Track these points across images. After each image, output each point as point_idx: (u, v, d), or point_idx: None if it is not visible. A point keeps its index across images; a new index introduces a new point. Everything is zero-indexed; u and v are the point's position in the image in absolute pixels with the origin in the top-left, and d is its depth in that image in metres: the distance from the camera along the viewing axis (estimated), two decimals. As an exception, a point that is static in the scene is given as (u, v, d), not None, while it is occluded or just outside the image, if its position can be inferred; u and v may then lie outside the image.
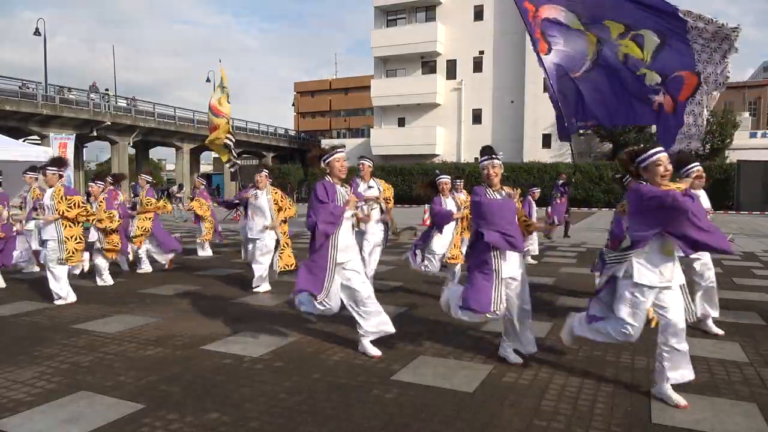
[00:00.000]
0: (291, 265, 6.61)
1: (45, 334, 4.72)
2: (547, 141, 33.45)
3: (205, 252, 10.00)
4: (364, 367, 3.83)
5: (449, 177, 6.14)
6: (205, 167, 55.15)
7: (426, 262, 6.03)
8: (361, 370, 3.76)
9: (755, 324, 5.08)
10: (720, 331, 4.64)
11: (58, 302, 5.87)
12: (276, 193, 6.79)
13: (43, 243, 6.02)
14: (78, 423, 2.94)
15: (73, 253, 5.96)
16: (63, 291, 5.92)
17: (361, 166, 6.23)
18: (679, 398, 3.14)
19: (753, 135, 33.89)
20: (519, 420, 2.98)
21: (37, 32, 30.68)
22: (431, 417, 3.01)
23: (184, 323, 5.10)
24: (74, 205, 5.98)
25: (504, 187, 3.88)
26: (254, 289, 6.62)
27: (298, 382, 3.55)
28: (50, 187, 6.04)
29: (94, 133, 32.11)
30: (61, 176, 6.15)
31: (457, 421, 2.96)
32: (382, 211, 6.11)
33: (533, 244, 9.38)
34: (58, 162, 6.24)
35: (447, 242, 6.00)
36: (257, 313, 5.51)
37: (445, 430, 2.87)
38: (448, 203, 6.00)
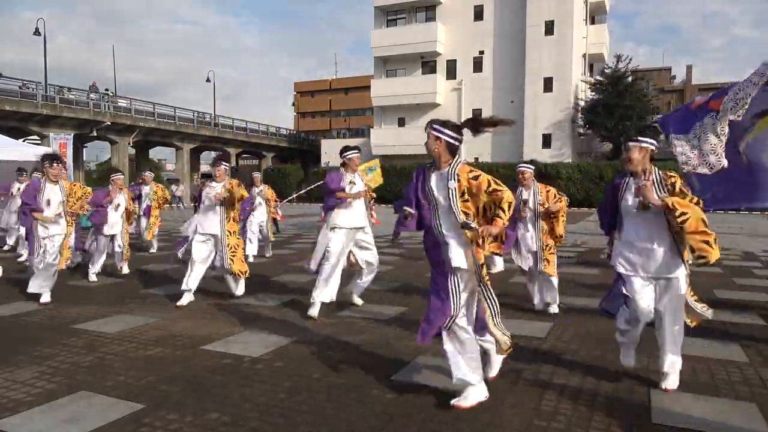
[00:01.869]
0: (245, 273, 6.12)
1: (45, 334, 4.72)
2: (546, 141, 33.44)
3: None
4: (364, 367, 3.83)
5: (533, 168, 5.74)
6: (205, 167, 55.13)
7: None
8: (361, 370, 3.76)
9: (755, 324, 5.08)
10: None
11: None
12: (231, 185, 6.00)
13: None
14: (78, 423, 2.94)
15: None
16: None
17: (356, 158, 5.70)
18: None
19: (753, 135, 33.84)
20: (519, 420, 2.98)
21: (37, 32, 30.69)
22: (431, 417, 3.01)
23: (184, 323, 5.10)
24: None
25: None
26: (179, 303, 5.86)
27: (298, 382, 3.55)
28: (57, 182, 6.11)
29: (94, 133, 32.12)
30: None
31: (458, 421, 2.96)
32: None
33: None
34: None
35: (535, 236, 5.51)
36: (257, 313, 5.51)
37: (445, 430, 2.87)
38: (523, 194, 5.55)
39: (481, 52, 35.19)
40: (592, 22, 36.03)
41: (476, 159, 32.03)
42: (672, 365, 3.42)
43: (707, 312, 3.59)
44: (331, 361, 3.97)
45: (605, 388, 3.44)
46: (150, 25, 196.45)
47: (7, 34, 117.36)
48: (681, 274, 3.33)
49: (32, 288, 5.95)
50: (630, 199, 3.43)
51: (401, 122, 38.07)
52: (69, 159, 15.54)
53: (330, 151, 37.83)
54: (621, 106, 30.54)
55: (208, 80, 43.71)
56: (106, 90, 34.89)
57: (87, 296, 6.34)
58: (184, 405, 3.18)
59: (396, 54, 36.67)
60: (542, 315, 5.38)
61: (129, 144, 34.97)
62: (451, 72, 36.22)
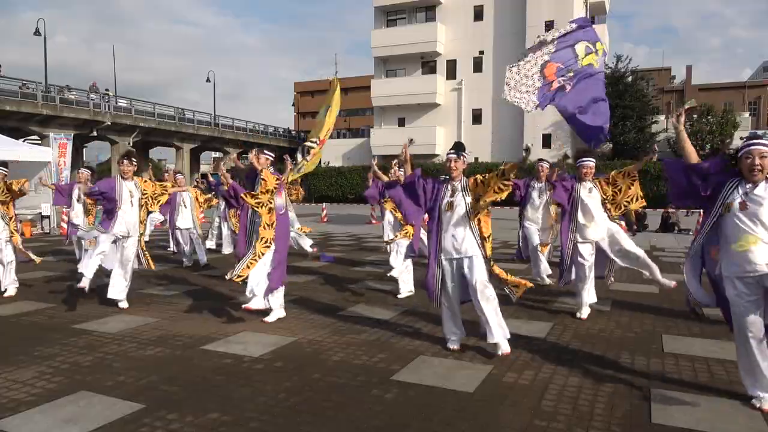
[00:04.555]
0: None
1: (45, 334, 4.72)
2: (547, 141, 33.41)
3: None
4: (364, 367, 3.83)
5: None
6: (205, 167, 55.12)
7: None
8: (361, 370, 3.76)
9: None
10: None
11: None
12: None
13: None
14: (78, 423, 2.94)
15: None
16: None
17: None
18: None
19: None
20: (519, 420, 2.98)
21: (37, 32, 30.69)
22: (431, 417, 3.01)
23: (184, 323, 5.10)
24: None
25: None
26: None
27: (298, 382, 3.55)
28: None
29: (95, 133, 32.12)
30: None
31: (457, 421, 2.96)
32: None
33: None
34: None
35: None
36: (257, 314, 5.50)
37: (445, 430, 2.87)
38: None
39: (481, 52, 35.17)
40: (592, 22, 35.90)
41: (476, 159, 32.01)
42: None
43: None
44: (331, 361, 3.97)
45: (605, 388, 3.44)
46: (150, 26, 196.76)
47: (8, 34, 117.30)
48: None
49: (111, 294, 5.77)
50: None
51: (401, 122, 38.05)
52: (68, 159, 15.52)
53: (330, 150, 37.82)
54: (621, 106, 30.55)
55: (208, 80, 43.78)
56: (107, 90, 34.88)
57: (87, 296, 6.33)
58: (184, 405, 3.18)
59: (396, 54, 36.63)
60: (542, 315, 5.38)
61: (129, 144, 34.92)
62: (451, 72, 36.19)
